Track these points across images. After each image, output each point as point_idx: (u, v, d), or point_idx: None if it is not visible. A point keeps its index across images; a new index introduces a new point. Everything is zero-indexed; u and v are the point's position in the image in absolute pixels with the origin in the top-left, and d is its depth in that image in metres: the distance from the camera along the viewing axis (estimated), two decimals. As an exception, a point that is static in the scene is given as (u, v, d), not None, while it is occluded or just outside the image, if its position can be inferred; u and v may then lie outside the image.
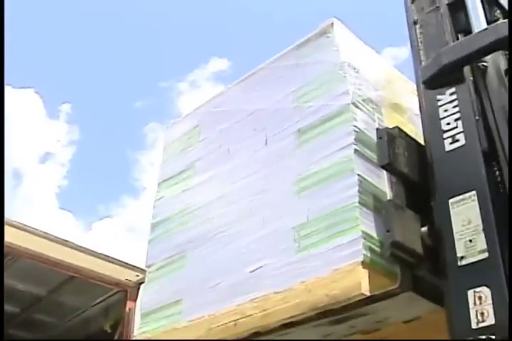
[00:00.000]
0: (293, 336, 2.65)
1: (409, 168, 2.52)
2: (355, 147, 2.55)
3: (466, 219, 2.19)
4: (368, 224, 2.40)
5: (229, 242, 2.80)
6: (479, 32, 2.45)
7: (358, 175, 2.49)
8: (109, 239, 22.83)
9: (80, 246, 5.97)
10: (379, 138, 2.58)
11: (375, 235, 2.39)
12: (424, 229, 2.39)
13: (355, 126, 2.60)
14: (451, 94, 2.48)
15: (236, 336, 2.60)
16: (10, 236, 4.97)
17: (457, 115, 2.42)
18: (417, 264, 2.38)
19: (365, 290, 2.26)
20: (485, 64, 2.52)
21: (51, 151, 25.39)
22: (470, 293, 2.04)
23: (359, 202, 2.42)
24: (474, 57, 2.44)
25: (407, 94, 2.98)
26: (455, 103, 2.45)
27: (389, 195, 2.55)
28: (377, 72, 2.97)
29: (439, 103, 2.49)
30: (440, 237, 2.29)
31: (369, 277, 2.28)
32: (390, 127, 2.64)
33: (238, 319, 2.56)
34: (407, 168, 2.52)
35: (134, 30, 23.50)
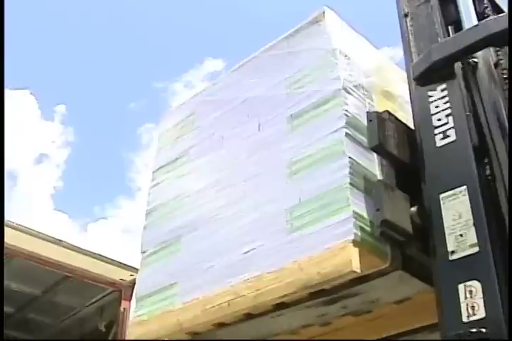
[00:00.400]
0: (286, 317, 2.68)
1: (399, 149, 2.57)
2: (346, 130, 2.58)
3: (457, 213, 2.20)
4: (358, 204, 2.43)
5: (223, 225, 2.83)
6: (470, 28, 2.47)
7: (349, 157, 2.51)
8: (104, 240, 22.73)
9: (75, 246, 6.01)
10: (369, 120, 2.62)
11: (365, 215, 2.42)
12: (414, 208, 2.43)
13: (346, 110, 2.63)
14: (442, 90, 2.50)
15: (230, 316, 2.63)
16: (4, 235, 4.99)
17: (448, 111, 2.43)
18: (407, 243, 2.42)
19: (356, 267, 2.28)
20: (475, 60, 2.53)
21: (46, 152, 25.31)
22: (461, 287, 2.04)
23: (350, 183, 2.45)
24: (465, 54, 2.46)
25: (398, 81, 3.01)
26: (446, 99, 2.47)
27: (379, 177, 2.59)
28: (368, 59, 3.00)
29: (430, 99, 2.51)
30: (429, 218, 2.32)
31: (360, 255, 2.31)
32: (381, 111, 2.69)
33: (232, 299, 2.59)
34: (396, 149, 2.57)
35: (128, 31, 23.53)
